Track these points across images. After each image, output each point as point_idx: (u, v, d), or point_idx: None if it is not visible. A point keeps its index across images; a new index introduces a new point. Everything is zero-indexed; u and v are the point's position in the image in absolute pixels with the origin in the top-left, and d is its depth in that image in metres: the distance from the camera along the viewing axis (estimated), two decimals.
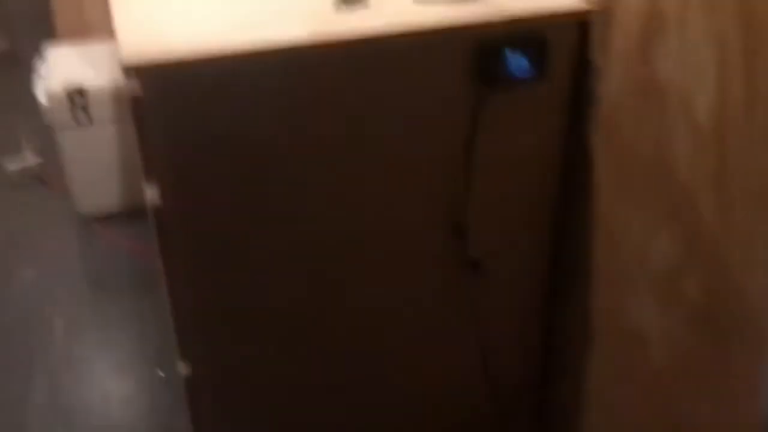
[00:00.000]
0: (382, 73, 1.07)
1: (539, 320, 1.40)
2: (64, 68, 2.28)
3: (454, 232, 1.24)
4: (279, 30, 1.03)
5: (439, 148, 1.16)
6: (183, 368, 1.17)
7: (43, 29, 2.59)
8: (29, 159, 2.59)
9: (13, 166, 2.56)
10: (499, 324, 1.36)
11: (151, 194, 1.04)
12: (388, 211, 1.19)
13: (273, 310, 1.20)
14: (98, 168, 2.31)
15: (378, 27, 1.05)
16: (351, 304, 1.25)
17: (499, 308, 1.35)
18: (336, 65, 1.04)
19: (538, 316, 1.40)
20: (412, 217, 1.21)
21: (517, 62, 1.12)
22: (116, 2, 1.10)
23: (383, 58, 1.06)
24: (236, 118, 1.02)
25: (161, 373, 1.79)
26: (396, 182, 1.17)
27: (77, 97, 2.20)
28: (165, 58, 0.95)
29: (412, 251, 1.24)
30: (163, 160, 1.01)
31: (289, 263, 1.17)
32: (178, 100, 0.98)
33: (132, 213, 2.32)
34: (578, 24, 1.15)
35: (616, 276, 1.21)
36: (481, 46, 1.10)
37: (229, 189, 1.07)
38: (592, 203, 1.23)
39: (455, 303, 1.31)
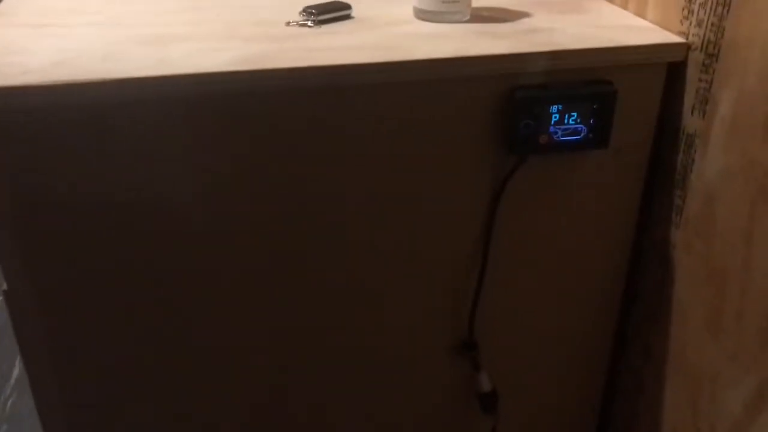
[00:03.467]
0: (359, 121, 0.71)
1: None
2: None
3: (461, 353, 0.86)
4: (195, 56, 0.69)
5: (442, 240, 0.78)
6: None
7: None
8: None
9: None
10: None
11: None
12: (371, 322, 0.81)
13: None
14: None
15: (350, 58, 0.69)
16: None
17: None
18: (273, 99, 0.68)
19: None
20: (404, 335, 0.83)
21: (565, 119, 0.74)
22: None
23: (356, 101, 0.69)
24: (116, 171, 0.67)
25: None
26: (378, 285, 0.79)
27: None
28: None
29: (406, 378, 0.86)
30: (6, 221, 0.67)
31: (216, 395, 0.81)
32: (22, 141, 0.64)
33: None
34: (665, 67, 0.76)
35: None
36: (510, 94, 0.72)
37: (109, 275, 0.72)
38: (668, 340, 0.82)
39: None
